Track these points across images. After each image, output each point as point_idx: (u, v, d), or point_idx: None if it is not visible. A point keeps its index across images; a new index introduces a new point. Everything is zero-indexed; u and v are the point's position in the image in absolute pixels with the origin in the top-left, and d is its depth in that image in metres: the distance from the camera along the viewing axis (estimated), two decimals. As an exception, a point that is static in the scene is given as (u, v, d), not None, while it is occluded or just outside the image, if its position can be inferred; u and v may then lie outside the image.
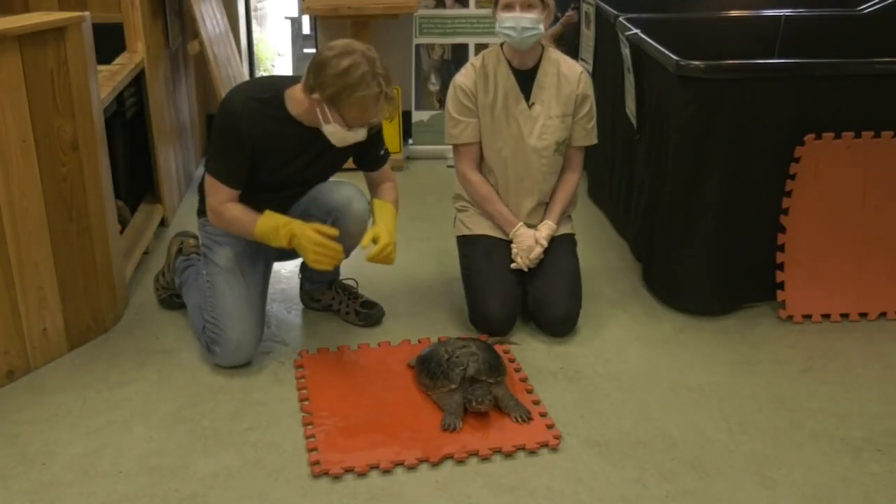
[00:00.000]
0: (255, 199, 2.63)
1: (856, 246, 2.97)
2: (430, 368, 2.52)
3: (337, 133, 2.50)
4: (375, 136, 2.65)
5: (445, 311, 3.05)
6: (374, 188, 2.83)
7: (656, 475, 2.25)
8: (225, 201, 2.60)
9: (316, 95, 2.42)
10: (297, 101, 2.53)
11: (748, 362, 2.77)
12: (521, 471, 2.27)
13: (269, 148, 2.57)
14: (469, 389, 2.43)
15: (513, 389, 2.54)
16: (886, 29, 3.60)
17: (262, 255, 2.76)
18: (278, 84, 2.60)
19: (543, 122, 2.91)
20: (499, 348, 2.72)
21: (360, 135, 2.52)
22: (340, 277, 3.05)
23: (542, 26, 2.80)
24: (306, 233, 2.53)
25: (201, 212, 2.80)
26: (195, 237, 3.12)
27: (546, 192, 3.00)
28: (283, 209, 2.74)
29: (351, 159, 2.76)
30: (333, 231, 2.59)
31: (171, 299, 3.02)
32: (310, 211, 2.76)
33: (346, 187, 2.79)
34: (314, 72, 2.41)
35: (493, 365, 2.50)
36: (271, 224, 2.57)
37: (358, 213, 2.77)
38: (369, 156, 2.74)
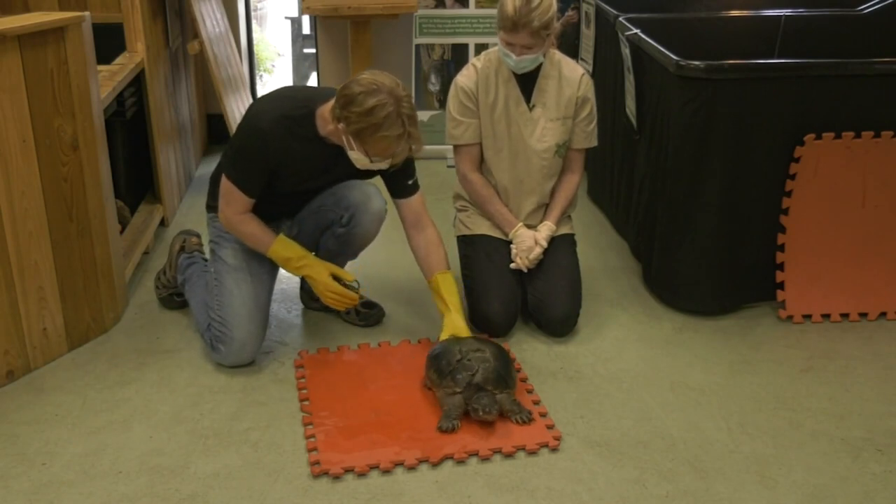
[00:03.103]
0: (270, 200, 2.65)
1: (856, 246, 2.97)
2: (439, 366, 2.48)
3: (360, 160, 2.51)
4: (404, 163, 2.60)
5: (445, 311, 3.05)
6: (411, 232, 2.76)
7: (656, 475, 2.25)
8: (241, 211, 2.61)
9: (342, 126, 2.43)
10: (326, 120, 2.52)
11: (748, 362, 2.77)
12: (521, 471, 2.27)
13: (293, 166, 2.58)
14: (475, 398, 2.38)
15: (513, 389, 2.53)
16: (886, 29, 3.60)
17: None
18: (312, 100, 2.57)
19: (544, 124, 2.91)
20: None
21: (382, 165, 2.54)
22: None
23: (541, 55, 2.81)
24: (324, 279, 2.64)
25: (211, 207, 2.80)
26: (198, 236, 3.13)
27: (546, 194, 3.00)
28: (297, 208, 2.77)
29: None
30: (350, 276, 2.70)
31: (172, 298, 3.02)
32: (325, 205, 2.77)
33: (363, 185, 2.79)
34: (341, 104, 2.40)
35: (501, 375, 2.44)
36: (284, 254, 2.64)
37: (375, 211, 2.78)
38: (396, 182, 2.71)
